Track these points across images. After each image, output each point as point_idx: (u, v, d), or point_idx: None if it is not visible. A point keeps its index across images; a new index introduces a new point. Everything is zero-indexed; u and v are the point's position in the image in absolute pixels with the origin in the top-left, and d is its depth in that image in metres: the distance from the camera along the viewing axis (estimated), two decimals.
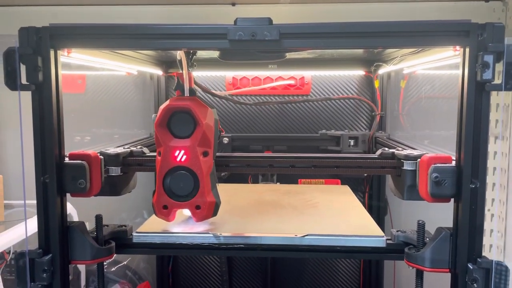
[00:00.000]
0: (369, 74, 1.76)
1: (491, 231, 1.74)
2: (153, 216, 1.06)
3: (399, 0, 1.78)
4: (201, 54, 1.35)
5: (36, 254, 0.88)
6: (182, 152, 0.96)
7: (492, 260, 0.84)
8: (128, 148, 1.09)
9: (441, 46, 0.88)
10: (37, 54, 0.84)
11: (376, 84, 1.73)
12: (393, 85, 1.76)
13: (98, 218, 0.97)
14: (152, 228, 1.06)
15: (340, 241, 0.99)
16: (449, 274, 0.90)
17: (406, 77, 1.62)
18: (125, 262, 1.81)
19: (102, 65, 1.30)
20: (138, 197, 1.45)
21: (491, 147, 1.73)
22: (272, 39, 0.85)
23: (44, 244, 0.89)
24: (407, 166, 0.97)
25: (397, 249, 0.98)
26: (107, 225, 1.02)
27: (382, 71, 1.68)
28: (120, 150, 1.06)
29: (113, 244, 0.99)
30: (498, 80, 0.81)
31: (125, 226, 1.03)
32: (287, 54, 1.09)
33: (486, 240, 1.69)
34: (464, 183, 0.85)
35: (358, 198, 1.42)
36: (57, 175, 0.88)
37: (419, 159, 0.94)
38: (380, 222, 1.76)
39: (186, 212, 1.02)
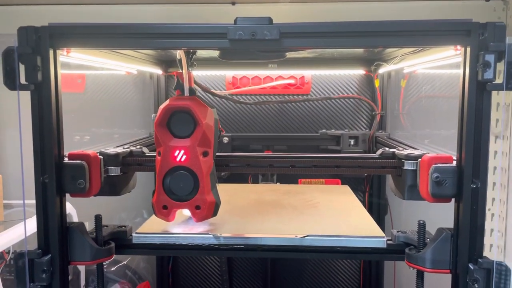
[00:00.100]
0: (370, 73, 1.75)
1: (492, 230, 1.74)
2: (153, 216, 1.05)
3: None
4: (201, 53, 1.35)
5: (35, 255, 0.87)
6: (182, 152, 0.96)
7: (493, 261, 0.84)
8: (128, 148, 1.09)
9: (442, 45, 0.88)
10: (36, 54, 0.84)
11: (377, 83, 1.73)
12: (393, 84, 1.76)
13: (98, 219, 0.97)
14: (152, 228, 1.06)
15: (341, 242, 0.99)
16: (449, 275, 0.90)
17: (406, 77, 1.62)
18: (125, 262, 1.81)
19: (102, 64, 1.29)
20: (138, 197, 1.44)
21: (492, 146, 1.72)
22: (272, 38, 0.84)
23: (43, 244, 0.89)
24: (408, 166, 0.97)
25: (397, 250, 0.98)
26: (107, 226, 1.02)
27: (382, 70, 1.67)
28: (119, 150, 1.05)
29: (113, 244, 0.98)
30: (499, 80, 0.81)
31: (124, 226, 1.03)
32: (287, 53, 1.09)
33: (486, 240, 1.68)
34: (465, 183, 0.85)
35: (358, 198, 1.41)
36: (56, 175, 0.88)
37: (419, 159, 0.94)
38: (380, 221, 1.76)
39: (186, 212, 1.02)
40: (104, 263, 1.00)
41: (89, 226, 1.00)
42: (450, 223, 0.91)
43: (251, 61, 1.53)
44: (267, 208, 1.25)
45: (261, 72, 1.77)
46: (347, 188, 1.55)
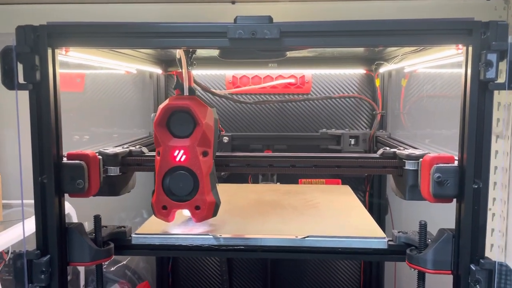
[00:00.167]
0: (370, 72, 1.75)
1: (492, 230, 1.73)
2: (153, 216, 1.05)
3: None
4: (201, 52, 1.34)
5: (34, 255, 0.87)
6: (182, 152, 0.95)
7: (495, 261, 0.83)
8: (127, 147, 1.08)
9: (443, 44, 0.87)
10: (35, 53, 0.83)
11: (377, 82, 1.72)
12: (394, 83, 1.75)
13: (97, 219, 0.96)
14: (151, 229, 1.05)
15: (341, 243, 0.99)
16: (451, 276, 0.89)
17: (407, 76, 1.61)
18: (124, 262, 1.80)
19: (101, 64, 1.29)
20: (137, 196, 1.44)
21: (493, 146, 1.71)
22: (273, 37, 0.83)
23: (42, 245, 0.88)
24: (409, 166, 0.96)
25: (398, 251, 0.97)
26: (106, 226, 1.01)
27: (383, 69, 1.67)
28: (118, 149, 1.05)
29: (112, 245, 0.98)
30: (501, 79, 0.80)
31: (124, 227, 1.03)
32: (287, 52, 1.08)
33: (487, 240, 1.68)
34: (467, 183, 0.84)
35: (358, 198, 1.41)
36: (55, 175, 0.87)
37: (421, 159, 0.93)
38: (380, 221, 1.75)
39: (186, 212, 1.01)
40: (103, 263, 1.00)
41: (89, 226, 0.99)
42: (450, 223, 0.91)
43: (251, 60, 1.53)
44: (267, 208, 1.24)
45: (261, 72, 1.76)
46: (347, 188, 1.54)
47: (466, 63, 0.83)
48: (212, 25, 0.85)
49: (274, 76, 1.77)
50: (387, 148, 1.06)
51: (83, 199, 0.96)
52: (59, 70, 0.88)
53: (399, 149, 1.04)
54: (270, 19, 0.85)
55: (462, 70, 0.84)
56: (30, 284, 0.87)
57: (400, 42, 0.89)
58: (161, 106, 0.96)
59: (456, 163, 0.89)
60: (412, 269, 0.93)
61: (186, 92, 1.00)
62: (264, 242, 0.99)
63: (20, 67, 0.83)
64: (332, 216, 1.18)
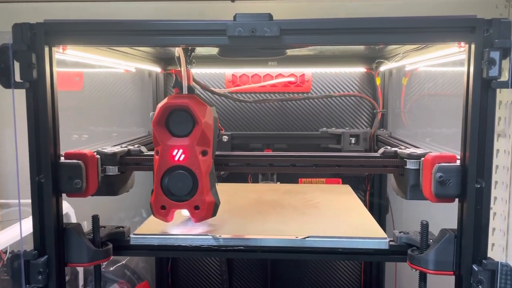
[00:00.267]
0: (371, 71, 1.74)
1: (494, 229, 1.73)
2: (152, 217, 1.04)
3: None
4: (200, 51, 1.33)
5: (31, 256, 0.86)
6: (181, 151, 0.94)
7: (498, 262, 0.82)
8: (126, 147, 1.07)
9: (446, 42, 0.86)
10: (31, 51, 0.82)
11: (378, 81, 1.72)
12: (394, 82, 1.74)
13: (95, 219, 0.95)
14: (150, 229, 1.04)
15: (342, 243, 0.98)
16: (453, 276, 0.89)
17: (408, 74, 1.60)
18: (123, 262, 1.80)
19: (100, 62, 1.28)
20: (137, 195, 1.43)
21: (494, 145, 1.71)
22: (272, 35, 0.82)
23: (39, 245, 0.87)
24: (410, 165, 0.96)
25: (400, 251, 0.97)
26: (104, 227, 1.01)
27: (383, 68, 1.66)
28: (117, 149, 1.04)
29: (110, 246, 0.97)
30: (503, 77, 0.79)
31: (122, 227, 1.02)
32: (287, 50, 1.07)
33: (488, 239, 1.67)
34: (469, 183, 0.83)
35: (359, 197, 1.40)
36: (52, 175, 0.86)
37: (422, 158, 0.93)
38: (381, 221, 1.74)
39: (185, 212, 1.00)
40: (101, 264, 0.99)
41: (88, 226, 0.98)
42: (451, 223, 0.90)
43: (251, 58, 1.52)
44: (267, 208, 1.23)
45: (261, 70, 1.76)
46: (348, 188, 1.53)
47: (468, 61, 0.82)
48: (211, 23, 0.84)
49: (274, 74, 1.76)
50: (388, 147, 1.05)
51: (82, 199, 0.96)
52: (56, 69, 0.87)
53: (400, 148, 1.03)
54: (270, 16, 0.84)
55: (465, 68, 0.83)
56: (27, 285, 0.86)
57: (401, 40, 0.88)
58: (159, 105, 0.95)
59: (458, 162, 0.88)
60: (414, 270, 0.92)
61: (185, 91, 0.99)
62: (264, 242, 0.98)
63: (16, 65, 0.82)
64: (332, 216, 1.17)
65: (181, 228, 1.05)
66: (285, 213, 1.18)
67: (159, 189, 0.96)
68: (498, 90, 0.80)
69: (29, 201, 0.87)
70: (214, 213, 0.98)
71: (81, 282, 1.66)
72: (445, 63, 1.19)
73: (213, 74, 1.79)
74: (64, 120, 0.90)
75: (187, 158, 0.94)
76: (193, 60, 1.07)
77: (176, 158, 0.94)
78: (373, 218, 1.15)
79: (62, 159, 0.91)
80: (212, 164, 0.97)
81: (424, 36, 0.84)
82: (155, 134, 0.95)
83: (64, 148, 0.92)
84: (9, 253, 1.52)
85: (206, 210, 0.96)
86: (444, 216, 1.00)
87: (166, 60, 1.75)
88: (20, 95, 0.84)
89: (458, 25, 0.82)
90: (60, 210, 0.90)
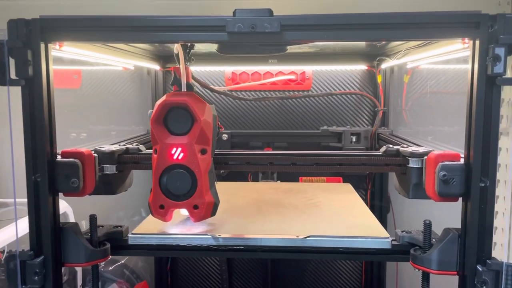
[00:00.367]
0: (372, 68, 1.72)
1: (495, 228, 1.71)
2: (150, 216, 1.02)
3: None
4: (199, 48, 1.32)
5: (27, 256, 0.84)
6: (179, 149, 0.93)
7: (503, 262, 0.81)
8: (124, 145, 1.06)
9: (450, 38, 0.84)
10: (27, 48, 0.81)
11: (379, 79, 1.70)
12: (396, 80, 1.73)
13: (92, 219, 0.94)
14: (148, 229, 1.03)
15: (344, 243, 0.96)
16: (456, 276, 0.87)
17: (409, 72, 1.59)
18: (122, 261, 1.78)
19: (98, 59, 1.27)
20: (136, 194, 1.42)
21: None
22: (273, 31, 0.81)
23: (35, 245, 0.86)
24: (413, 163, 0.94)
25: (402, 250, 0.95)
26: (102, 226, 0.99)
27: (385, 65, 1.64)
28: (115, 147, 1.02)
29: (108, 245, 0.96)
30: (508, 74, 0.78)
31: (120, 226, 1.00)
32: (288, 47, 1.05)
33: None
34: (474, 182, 0.82)
35: (360, 196, 1.38)
36: (49, 173, 0.85)
37: (425, 157, 0.91)
38: (382, 220, 1.73)
39: (184, 212, 0.99)
40: (99, 263, 0.98)
41: (87, 225, 0.97)
42: (453, 222, 0.89)
43: (251, 55, 1.50)
44: (267, 207, 1.22)
45: (261, 68, 1.74)
46: (349, 187, 1.52)
47: (473, 57, 0.81)
48: (210, 19, 0.82)
49: (274, 72, 1.75)
50: (390, 146, 1.04)
51: (81, 198, 0.94)
52: (52, 66, 0.85)
53: (402, 147, 1.02)
54: (270, 12, 0.82)
55: (469, 65, 0.82)
56: (23, 286, 0.85)
57: (404, 36, 0.86)
58: (158, 102, 0.93)
59: (462, 160, 0.86)
60: (416, 270, 0.91)
61: (184, 88, 0.98)
62: (264, 242, 0.97)
63: (12, 62, 0.81)
64: (333, 215, 1.16)
65: (180, 227, 1.03)
66: (286, 212, 1.17)
67: (158, 188, 0.94)
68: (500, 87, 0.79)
69: (26, 200, 0.86)
70: (213, 213, 0.97)
71: (79, 282, 1.65)
72: (447, 60, 1.17)
73: (212, 72, 1.78)
74: (62, 118, 0.89)
75: (186, 156, 0.93)
76: (192, 58, 1.05)
77: (175, 157, 0.93)
78: (375, 217, 1.14)
79: (59, 157, 0.90)
80: (212, 163, 0.95)
81: (427, 32, 0.83)
82: (153, 132, 0.93)
83: (63, 146, 0.91)
84: (7, 252, 1.51)
85: (205, 210, 0.94)
86: (447, 215, 0.99)
87: (165, 58, 1.73)
88: (17, 93, 0.83)
89: (462, 20, 0.80)
90: (56, 210, 0.88)
